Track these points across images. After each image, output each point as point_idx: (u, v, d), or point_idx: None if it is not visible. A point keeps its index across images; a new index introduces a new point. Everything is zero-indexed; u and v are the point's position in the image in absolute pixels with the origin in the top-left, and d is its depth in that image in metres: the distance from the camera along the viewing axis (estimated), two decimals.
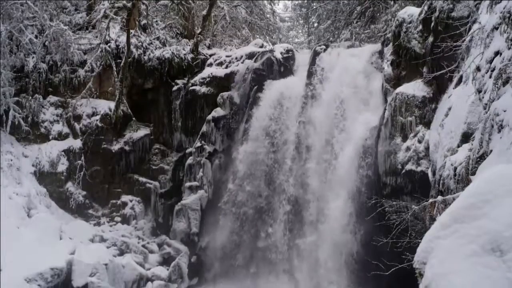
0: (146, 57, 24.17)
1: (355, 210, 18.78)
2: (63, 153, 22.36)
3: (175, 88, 24.25)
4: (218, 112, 23.00)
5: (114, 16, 23.78)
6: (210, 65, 24.63)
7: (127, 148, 23.53)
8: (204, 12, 26.00)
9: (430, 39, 17.04)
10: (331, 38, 31.91)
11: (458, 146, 12.97)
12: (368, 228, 16.96)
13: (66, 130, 22.89)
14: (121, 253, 20.41)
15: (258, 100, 22.40)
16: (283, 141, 21.66)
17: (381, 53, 20.80)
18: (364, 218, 17.51)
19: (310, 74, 21.99)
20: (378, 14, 28.42)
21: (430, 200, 11.39)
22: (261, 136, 21.84)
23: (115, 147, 23.44)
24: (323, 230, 19.47)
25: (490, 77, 11.21)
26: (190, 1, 27.48)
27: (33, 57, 22.36)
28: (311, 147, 20.80)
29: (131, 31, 23.41)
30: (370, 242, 13.73)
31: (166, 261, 21.24)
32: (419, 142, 17.09)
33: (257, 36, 31.13)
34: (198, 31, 25.74)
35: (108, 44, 23.83)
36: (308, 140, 20.96)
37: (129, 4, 22.58)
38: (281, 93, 22.20)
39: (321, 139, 20.65)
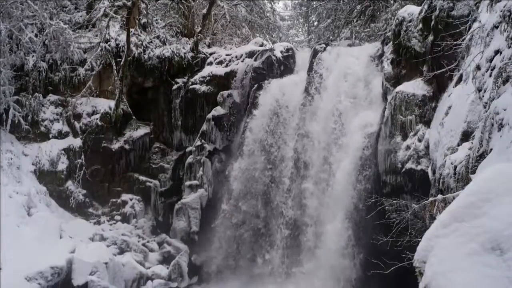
0: (146, 56, 24.16)
1: (353, 231, 18.57)
2: (63, 151, 22.36)
3: (175, 87, 24.24)
4: (218, 110, 23.00)
5: (114, 15, 23.79)
6: (210, 63, 24.62)
7: (127, 146, 23.53)
8: (204, 11, 26.01)
9: (430, 37, 17.03)
10: (331, 37, 31.85)
11: (458, 145, 12.98)
12: (368, 251, 16.76)
13: (66, 129, 22.89)
14: (121, 251, 20.43)
15: (257, 100, 22.42)
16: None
17: (381, 52, 20.77)
18: (363, 239, 17.47)
19: (310, 73, 21.96)
20: (378, 13, 28.38)
21: (430, 199, 11.38)
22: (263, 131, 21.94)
23: (115, 145, 23.44)
24: (320, 255, 19.25)
25: (490, 75, 11.21)
26: (190, 0, 27.48)
27: (33, 56, 22.36)
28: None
29: (131, 29, 23.40)
30: (370, 268, 13.65)
31: (166, 259, 21.26)
32: (419, 140, 17.08)
33: (257, 35, 31.11)
34: (198, 30, 25.74)
35: (108, 43, 23.83)
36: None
37: (129, 3, 22.59)
38: (281, 92, 22.23)
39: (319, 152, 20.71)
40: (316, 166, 20.22)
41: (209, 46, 26.60)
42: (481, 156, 10.31)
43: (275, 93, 22.14)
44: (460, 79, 14.71)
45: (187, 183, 22.63)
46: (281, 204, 20.85)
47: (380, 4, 27.77)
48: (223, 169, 22.58)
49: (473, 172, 10.42)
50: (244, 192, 21.72)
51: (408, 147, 17.36)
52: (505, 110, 9.67)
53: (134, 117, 24.01)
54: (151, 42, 24.71)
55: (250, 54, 23.85)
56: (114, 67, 23.55)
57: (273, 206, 21.14)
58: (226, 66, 24.07)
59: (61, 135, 22.71)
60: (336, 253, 18.71)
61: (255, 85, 22.66)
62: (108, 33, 23.82)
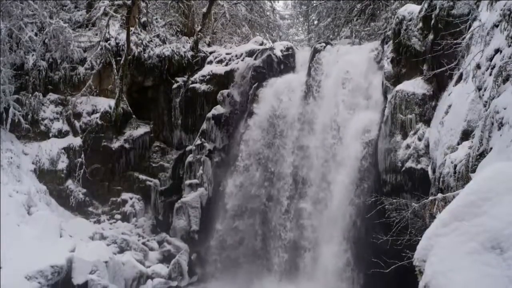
0: (146, 55, 24.15)
1: (352, 253, 18.54)
2: (63, 150, 22.36)
3: (175, 85, 24.24)
4: (218, 109, 23.00)
5: (114, 14, 23.77)
6: (210, 62, 24.62)
7: (127, 145, 23.53)
8: (204, 10, 25.99)
9: (430, 36, 17.02)
10: (331, 36, 31.83)
11: (458, 144, 12.98)
12: (367, 273, 16.50)
13: (66, 127, 22.88)
14: (121, 250, 20.43)
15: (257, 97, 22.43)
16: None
17: (381, 51, 20.76)
18: (362, 261, 17.40)
19: (310, 72, 21.96)
20: (378, 12, 28.36)
21: (430, 198, 11.38)
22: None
23: (115, 144, 23.44)
24: (318, 279, 19.19)
25: (490, 74, 11.21)
26: None
27: (33, 55, 22.35)
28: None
29: (131, 28, 23.38)
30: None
31: (166, 258, 21.27)
32: (419, 139, 17.08)
33: (257, 34, 31.09)
34: (198, 29, 25.73)
35: (108, 42, 23.82)
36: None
37: (129, 2, 22.56)
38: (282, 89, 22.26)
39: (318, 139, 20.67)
40: (315, 185, 20.22)
41: (209, 45, 26.60)
42: (481, 155, 10.31)
43: (272, 101, 22.12)
44: (460, 78, 14.71)
45: (187, 182, 22.63)
46: (279, 226, 20.77)
47: (380, 3, 27.73)
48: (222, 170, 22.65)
49: (473, 171, 10.41)
50: (240, 211, 21.70)
51: (408, 146, 17.35)
52: (505, 109, 9.67)
53: (134, 116, 24.02)
54: (151, 41, 24.70)
55: (250, 53, 23.84)
56: (114, 66, 23.54)
57: (271, 227, 21.05)
58: (226, 65, 24.06)
59: (61, 134, 22.70)
60: (334, 277, 18.70)
61: (255, 84, 22.65)
62: (108, 32, 23.81)
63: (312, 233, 19.74)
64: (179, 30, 27.05)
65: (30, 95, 22.37)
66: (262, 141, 21.79)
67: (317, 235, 19.54)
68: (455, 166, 12.29)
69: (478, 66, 11.96)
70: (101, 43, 23.66)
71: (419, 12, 17.81)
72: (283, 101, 21.92)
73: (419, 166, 16.93)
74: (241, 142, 22.10)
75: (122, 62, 22.99)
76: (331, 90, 20.81)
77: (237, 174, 21.86)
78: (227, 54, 24.60)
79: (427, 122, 17.06)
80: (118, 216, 22.73)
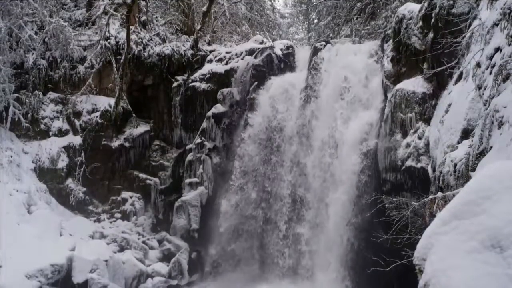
0: (146, 54, 24.15)
1: (350, 279, 18.46)
2: (63, 149, 22.35)
3: (175, 84, 24.23)
4: (218, 108, 23.00)
5: (114, 13, 23.77)
6: (210, 61, 24.61)
7: (127, 144, 23.53)
8: (204, 9, 25.96)
9: (430, 35, 17.02)
10: (331, 35, 31.84)
11: (458, 143, 12.98)
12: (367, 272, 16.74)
13: (66, 126, 22.87)
14: (121, 249, 20.45)
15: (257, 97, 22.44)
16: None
17: (381, 50, 20.77)
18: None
19: (310, 71, 21.97)
20: (378, 11, 28.37)
21: (430, 197, 11.39)
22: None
23: (115, 143, 23.44)
24: None
25: (490, 73, 11.21)
26: None
27: (32, 54, 22.35)
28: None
29: (131, 27, 23.35)
30: None
31: (166, 257, 21.28)
32: (419, 138, 17.08)
33: (257, 33, 31.09)
34: (198, 28, 25.72)
35: (108, 41, 23.82)
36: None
37: (129, 1, 22.52)
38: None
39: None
40: (314, 209, 20.23)
41: (209, 44, 26.59)
42: (481, 154, 10.31)
43: (267, 111, 22.14)
44: (460, 77, 14.70)
45: (187, 180, 22.63)
46: (277, 253, 20.71)
47: (380, 2, 27.73)
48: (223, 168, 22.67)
49: (473, 169, 10.42)
50: (236, 234, 21.69)
51: (408, 145, 17.36)
52: (505, 107, 9.68)
53: (134, 114, 24.01)
54: (151, 39, 24.69)
55: (250, 52, 23.84)
56: (114, 65, 23.53)
57: (268, 253, 21.01)
58: (226, 63, 24.06)
59: (61, 133, 22.70)
60: None
61: (255, 83, 22.66)
62: (108, 30, 23.79)
63: (310, 260, 19.74)
64: (179, 28, 27.03)
65: (30, 93, 22.36)
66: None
67: (314, 264, 19.53)
68: (455, 164, 12.29)
69: (478, 65, 11.96)
70: (101, 41, 23.64)
71: (419, 11, 17.80)
72: (283, 99, 21.94)
73: (419, 165, 16.93)
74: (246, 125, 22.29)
75: (122, 60, 22.96)
76: (331, 88, 20.81)
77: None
78: (227, 52, 24.59)
79: (427, 121, 17.06)
80: (118, 215, 22.74)
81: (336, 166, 19.59)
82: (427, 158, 16.59)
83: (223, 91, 23.11)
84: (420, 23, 17.90)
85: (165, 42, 24.97)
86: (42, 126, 22.46)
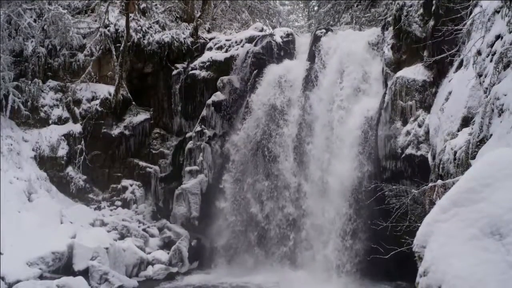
0: (145, 41, 24.05)
1: (350, 268, 18.46)
2: (63, 137, 22.34)
3: (174, 72, 24.17)
4: (218, 96, 22.96)
5: (113, 0, 23.63)
6: (210, 49, 24.53)
7: (127, 132, 23.51)
8: None
9: (431, 22, 16.97)
10: (331, 22, 31.72)
11: (458, 130, 12.99)
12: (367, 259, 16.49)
13: (66, 114, 22.84)
14: (122, 237, 20.50)
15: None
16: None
17: (381, 37, 20.70)
18: None
19: (310, 58, 21.92)
20: None
21: (430, 184, 11.42)
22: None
23: (115, 131, 23.42)
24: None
25: (491, 61, 11.21)
26: None
27: (32, 41, 22.26)
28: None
29: (130, 15, 23.29)
30: None
31: (166, 245, 21.33)
32: (419, 126, 17.09)
33: (257, 20, 30.95)
34: (197, 15, 25.63)
35: (107, 28, 23.73)
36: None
37: None
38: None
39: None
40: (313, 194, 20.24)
41: (208, 31, 26.48)
42: (481, 142, 10.32)
43: (267, 98, 22.02)
44: (460, 65, 14.69)
45: (187, 168, 22.64)
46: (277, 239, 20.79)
47: None
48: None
49: (473, 157, 10.43)
50: (236, 221, 21.72)
51: (408, 133, 17.38)
52: (505, 95, 9.68)
53: (134, 102, 23.96)
54: (151, 27, 24.59)
55: (250, 39, 23.76)
56: (114, 53, 23.45)
57: (269, 239, 21.03)
58: (226, 51, 23.98)
59: (61, 121, 22.68)
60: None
61: (255, 70, 22.60)
62: (107, 18, 23.70)
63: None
64: (178, 16, 26.90)
65: (30, 82, 22.30)
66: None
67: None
68: (455, 152, 12.31)
69: (478, 53, 11.94)
70: (100, 29, 23.55)
71: None
72: (283, 87, 21.89)
73: (419, 153, 16.96)
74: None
75: (121, 48, 22.91)
76: (331, 76, 20.77)
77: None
78: (227, 40, 24.51)
79: (427, 109, 17.07)
80: (119, 203, 22.77)
81: (336, 155, 19.57)
82: (427, 146, 16.61)
83: (223, 79, 23.06)
84: (421, 10, 17.84)
85: (165, 29, 24.86)
86: (42, 114, 22.44)
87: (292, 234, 20.42)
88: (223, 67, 23.46)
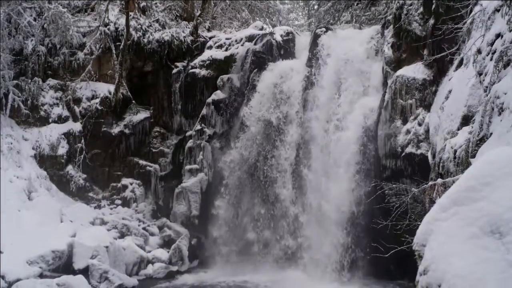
0: (145, 40, 24.04)
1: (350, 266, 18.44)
2: (63, 136, 22.34)
3: (174, 71, 24.16)
4: (218, 95, 22.95)
5: None
6: (210, 47, 24.52)
7: (127, 131, 23.50)
8: None
9: (431, 21, 16.97)
10: (331, 21, 31.70)
11: (458, 129, 12.99)
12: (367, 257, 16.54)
13: (66, 113, 22.85)
14: (122, 235, 20.51)
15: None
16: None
17: (381, 36, 20.69)
18: None
19: (310, 57, 21.90)
20: None
21: (430, 183, 11.43)
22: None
23: (115, 130, 23.42)
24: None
25: (491, 59, 11.20)
26: None
27: (32, 40, 22.26)
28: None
29: (130, 13, 23.28)
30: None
31: (166, 243, 21.34)
32: (419, 125, 17.10)
33: (257, 19, 30.94)
34: (197, 14, 25.60)
35: (107, 27, 23.72)
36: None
37: None
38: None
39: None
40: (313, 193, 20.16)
41: (208, 30, 26.47)
42: (481, 140, 10.32)
43: (267, 97, 21.98)
44: (460, 63, 14.68)
45: (187, 167, 22.64)
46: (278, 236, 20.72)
47: None
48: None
49: (473, 156, 10.43)
50: (236, 219, 21.65)
51: (408, 131, 17.38)
52: (505, 94, 9.67)
53: (134, 101, 23.94)
54: (151, 25, 24.57)
55: (250, 38, 23.75)
56: (114, 51, 23.45)
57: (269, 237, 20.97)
58: (226, 50, 23.97)
59: (61, 120, 22.67)
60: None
61: (255, 69, 22.60)
62: (107, 16, 23.68)
63: None
64: (178, 15, 26.88)
65: (30, 80, 22.30)
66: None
67: None
68: (455, 151, 12.31)
69: (478, 51, 11.94)
70: (100, 28, 23.54)
71: None
72: (283, 86, 21.88)
73: (419, 151, 16.97)
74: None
75: (121, 47, 22.90)
76: (331, 75, 20.75)
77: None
78: (227, 39, 24.50)
79: (427, 107, 17.07)
80: (119, 202, 22.77)
81: (336, 153, 19.56)
82: (427, 144, 16.62)
83: (223, 77, 23.05)
84: (421, 9, 17.84)
85: (165, 28, 24.85)
86: (42, 113, 22.44)
87: (291, 231, 20.42)
88: (223, 65, 23.45)
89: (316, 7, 39.33)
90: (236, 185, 21.79)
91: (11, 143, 20.50)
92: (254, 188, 21.50)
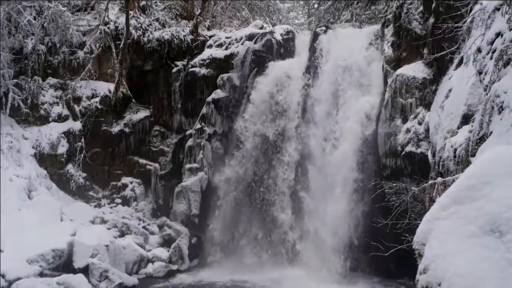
0: (145, 39, 24.05)
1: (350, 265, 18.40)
2: (63, 135, 22.35)
3: (174, 69, 24.16)
4: (218, 93, 22.95)
5: None
6: (210, 46, 24.51)
7: (127, 130, 23.51)
8: None
9: (431, 20, 16.95)
10: (331, 19, 31.72)
11: (458, 128, 12.98)
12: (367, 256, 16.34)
13: (65, 112, 22.85)
14: (122, 234, 20.50)
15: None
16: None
17: (381, 35, 20.68)
18: None
19: (310, 56, 21.88)
20: None
21: (430, 182, 11.42)
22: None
23: (115, 129, 23.42)
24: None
25: (491, 58, 11.19)
26: None
27: (31, 39, 22.26)
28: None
29: (130, 12, 23.28)
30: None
31: (166, 242, 21.33)
32: (419, 123, 17.09)
33: (257, 18, 30.96)
34: (197, 12, 25.61)
35: (107, 26, 23.72)
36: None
37: None
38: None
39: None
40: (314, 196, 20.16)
41: (208, 29, 26.47)
42: (481, 139, 10.32)
43: (267, 96, 21.92)
44: (460, 62, 14.67)
45: (187, 166, 22.65)
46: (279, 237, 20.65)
47: None
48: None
49: (473, 155, 10.43)
50: (236, 218, 21.57)
51: (408, 130, 17.37)
52: (505, 93, 9.67)
53: (134, 100, 23.95)
54: (151, 24, 24.58)
55: (250, 37, 23.75)
56: (114, 50, 23.45)
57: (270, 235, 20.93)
58: (226, 49, 23.97)
59: (61, 119, 22.68)
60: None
61: (255, 68, 22.59)
62: (107, 15, 23.69)
63: None
64: (178, 13, 26.88)
65: (30, 79, 22.29)
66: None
67: None
68: (455, 150, 12.30)
69: (478, 50, 11.93)
70: (100, 27, 23.54)
71: None
72: (283, 85, 21.86)
73: (419, 150, 16.96)
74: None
75: (121, 46, 22.91)
76: (331, 74, 20.72)
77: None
78: (226, 38, 24.50)
79: (427, 106, 17.06)
80: (119, 200, 22.78)
81: (336, 151, 19.55)
82: (427, 143, 16.61)
83: (223, 76, 23.05)
84: (421, 8, 17.83)
85: (165, 27, 24.86)
86: (42, 112, 22.44)
87: (292, 230, 20.40)
88: (223, 64, 23.44)
89: (316, 5, 39.34)
90: (232, 207, 21.67)
91: (11, 142, 20.50)
92: (251, 210, 21.36)
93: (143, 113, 24.00)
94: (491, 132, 9.93)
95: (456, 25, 13.14)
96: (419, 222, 6.83)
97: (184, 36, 24.54)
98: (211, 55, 23.85)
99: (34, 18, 22.18)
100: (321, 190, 19.56)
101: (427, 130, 16.59)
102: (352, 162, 18.75)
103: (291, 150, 20.98)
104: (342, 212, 18.61)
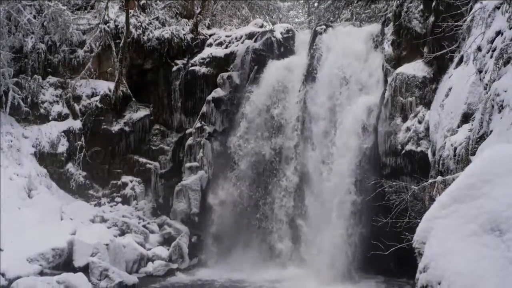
0: (145, 37, 24.04)
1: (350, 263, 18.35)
2: (63, 134, 22.35)
3: (174, 68, 24.16)
4: (218, 92, 22.94)
5: None
6: (210, 45, 24.51)
7: (127, 128, 23.51)
8: None
9: (431, 18, 16.95)
10: (331, 18, 31.70)
11: (458, 127, 12.98)
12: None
13: (65, 111, 22.85)
14: (122, 233, 20.50)
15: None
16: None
17: (381, 33, 20.66)
18: None
19: (310, 55, 21.86)
20: None
21: (430, 181, 11.42)
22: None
23: (115, 127, 23.42)
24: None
25: (491, 57, 11.19)
26: None
27: (31, 38, 22.25)
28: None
29: (130, 11, 23.28)
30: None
31: (166, 241, 21.33)
32: (419, 122, 17.09)
33: (257, 16, 30.93)
34: (197, 11, 25.59)
35: (107, 24, 23.71)
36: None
37: None
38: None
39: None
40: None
41: (208, 28, 26.45)
42: (481, 138, 10.31)
43: (267, 95, 21.92)
44: (460, 61, 14.67)
45: (187, 164, 22.64)
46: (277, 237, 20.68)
47: None
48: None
49: (473, 153, 10.43)
50: (236, 216, 21.62)
51: (408, 129, 17.38)
52: (505, 91, 9.66)
53: (134, 99, 23.96)
54: (151, 23, 24.57)
55: (250, 36, 23.73)
56: (113, 49, 23.44)
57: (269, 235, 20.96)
58: (226, 47, 23.96)
59: (61, 117, 22.67)
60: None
61: (255, 67, 22.57)
62: (107, 14, 23.69)
63: None
64: (178, 12, 26.88)
65: (30, 78, 22.29)
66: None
67: None
68: (455, 149, 12.30)
69: (479, 49, 11.93)
70: (100, 25, 23.54)
71: None
72: (283, 84, 21.85)
73: (419, 149, 16.97)
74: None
75: (121, 44, 22.91)
76: (331, 73, 20.70)
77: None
78: (227, 36, 24.49)
79: (427, 105, 17.07)
80: (119, 199, 22.78)
81: (335, 150, 19.54)
82: (427, 142, 16.62)
83: (223, 75, 23.04)
84: (421, 7, 17.83)
85: (165, 26, 24.85)
86: (42, 111, 22.43)
87: (291, 230, 20.42)
88: (223, 63, 23.44)
89: (316, 4, 39.29)
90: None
91: (11, 141, 20.50)
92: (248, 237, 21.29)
93: (143, 112, 24.01)
94: (491, 131, 9.93)
95: (456, 23, 13.14)
96: (419, 221, 6.83)
97: (184, 34, 24.53)
98: (211, 53, 23.85)
99: (34, 17, 22.17)
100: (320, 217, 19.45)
101: (427, 128, 16.59)
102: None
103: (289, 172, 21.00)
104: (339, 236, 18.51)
